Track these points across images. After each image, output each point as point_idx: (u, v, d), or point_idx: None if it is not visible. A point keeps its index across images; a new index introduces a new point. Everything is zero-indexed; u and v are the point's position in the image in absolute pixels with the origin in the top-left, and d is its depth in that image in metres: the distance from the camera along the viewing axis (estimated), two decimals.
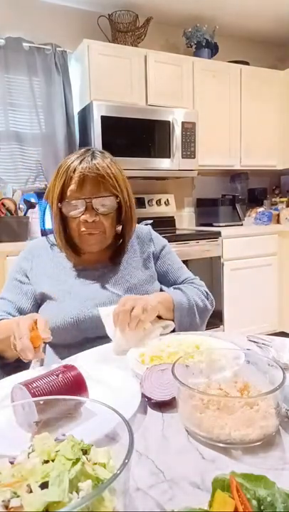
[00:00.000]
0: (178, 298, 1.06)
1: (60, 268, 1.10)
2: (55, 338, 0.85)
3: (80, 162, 0.99)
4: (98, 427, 0.48)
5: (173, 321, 1.04)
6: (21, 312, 1.05)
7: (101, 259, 1.12)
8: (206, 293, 1.16)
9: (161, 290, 1.16)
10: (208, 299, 1.15)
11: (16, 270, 1.11)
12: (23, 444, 0.46)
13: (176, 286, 1.17)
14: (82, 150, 1.05)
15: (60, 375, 0.64)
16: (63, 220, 1.05)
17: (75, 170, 0.99)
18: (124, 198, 1.06)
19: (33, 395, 0.60)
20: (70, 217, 1.03)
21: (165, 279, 1.20)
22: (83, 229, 1.03)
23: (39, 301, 1.08)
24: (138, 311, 0.89)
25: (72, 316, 1.00)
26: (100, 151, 1.06)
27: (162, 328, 0.98)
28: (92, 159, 1.01)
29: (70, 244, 1.08)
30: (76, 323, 1.00)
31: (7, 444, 0.54)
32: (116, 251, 1.13)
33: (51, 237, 1.14)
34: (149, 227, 1.25)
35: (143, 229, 1.22)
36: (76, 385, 0.64)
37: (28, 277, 1.09)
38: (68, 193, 1.00)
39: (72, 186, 0.99)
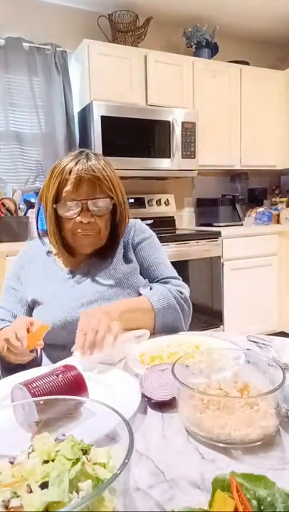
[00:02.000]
0: (153, 298, 1.02)
1: (50, 271, 1.10)
2: (45, 340, 0.85)
3: (76, 164, 0.99)
4: (98, 426, 0.48)
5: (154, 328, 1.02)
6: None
7: (88, 257, 1.12)
8: (180, 292, 1.08)
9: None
10: (185, 302, 1.08)
11: (11, 278, 1.12)
12: (23, 444, 0.46)
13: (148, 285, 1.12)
14: (76, 152, 1.05)
15: (60, 375, 0.64)
16: (58, 221, 1.05)
17: (70, 171, 0.99)
18: (118, 199, 1.06)
19: (33, 395, 0.60)
20: (65, 218, 1.02)
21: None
22: (78, 230, 1.03)
23: (32, 307, 1.08)
24: (102, 333, 0.82)
25: (60, 319, 1.00)
26: (93, 153, 1.05)
27: (136, 337, 0.93)
28: (87, 161, 1.00)
29: (64, 245, 1.08)
30: (64, 325, 1.00)
31: (7, 444, 0.54)
32: (106, 248, 1.12)
33: (46, 239, 1.13)
34: (137, 220, 1.22)
35: (130, 222, 1.18)
36: (76, 385, 0.64)
37: (21, 284, 1.10)
38: (64, 194, 1.00)
39: (68, 187, 0.99)
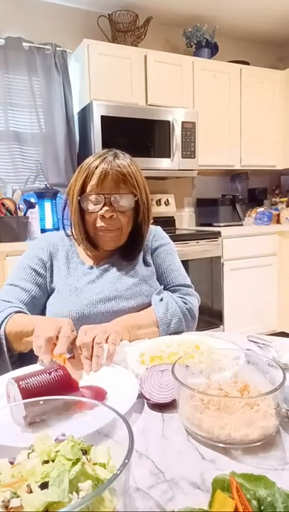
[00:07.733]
0: (160, 314, 1.02)
1: (72, 263, 1.11)
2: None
3: (103, 160, 1.03)
4: (96, 426, 0.48)
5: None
6: (34, 303, 1.05)
7: (110, 255, 1.13)
8: (185, 303, 1.08)
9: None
10: (190, 312, 1.08)
11: (31, 258, 1.09)
12: (23, 436, 0.47)
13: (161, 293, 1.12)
14: (105, 150, 1.08)
15: (53, 373, 0.65)
16: (82, 215, 1.07)
17: (97, 167, 1.02)
18: (142, 198, 1.08)
19: (22, 391, 0.61)
20: (87, 211, 1.05)
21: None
22: (101, 224, 1.05)
23: (49, 294, 1.08)
24: (100, 337, 0.83)
25: (78, 311, 1.01)
26: (121, 152, 1.09)
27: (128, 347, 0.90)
28: (114, 158, 1.04)
29: (88, 239, 1.10)
30: (81, 318, 1.00)
31: (8, 436, 0.55)
32: (129, 249, 1.13)
33: (68, 230, 1.15)
34: (158, 226, 1.25)
35: (150, 227, 1.20)
36: (67, 384, 0.65)
37: (45, 268, 1.09)
38: (88, 188, 1.03)
39: (93, 182, 1.02)
